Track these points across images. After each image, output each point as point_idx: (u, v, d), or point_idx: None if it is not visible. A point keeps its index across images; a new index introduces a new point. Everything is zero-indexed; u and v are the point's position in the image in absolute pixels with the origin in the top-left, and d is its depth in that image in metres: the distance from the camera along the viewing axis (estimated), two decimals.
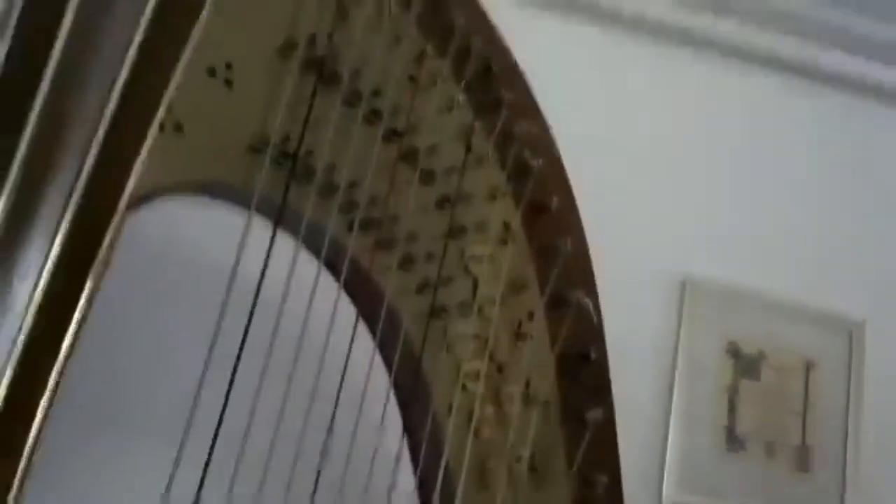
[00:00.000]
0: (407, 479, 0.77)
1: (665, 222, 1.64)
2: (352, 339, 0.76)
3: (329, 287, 0.77)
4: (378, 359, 0.81)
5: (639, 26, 1.68)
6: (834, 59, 1.74)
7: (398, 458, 0.77)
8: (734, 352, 1.61)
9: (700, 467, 1.53)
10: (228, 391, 0.69)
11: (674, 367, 1.61)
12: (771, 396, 1.59)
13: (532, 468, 0.85)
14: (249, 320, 0.71)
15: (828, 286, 1.67)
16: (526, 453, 0.84)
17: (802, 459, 1.57)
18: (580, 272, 0.91)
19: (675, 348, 1.62)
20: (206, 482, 0.67)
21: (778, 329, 1.63)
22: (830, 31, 1.71)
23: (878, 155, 1.77)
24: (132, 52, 0.69)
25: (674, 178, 1.66)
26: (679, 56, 1.70)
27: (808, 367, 1.63)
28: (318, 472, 0.72)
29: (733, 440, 1.55)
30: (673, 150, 1.67)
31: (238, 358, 0.70)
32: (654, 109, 1.68)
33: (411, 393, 0.79)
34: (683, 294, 1.64)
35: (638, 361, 1.60)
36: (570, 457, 0.87)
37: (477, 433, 0.83)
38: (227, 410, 0.70)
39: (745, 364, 1.60)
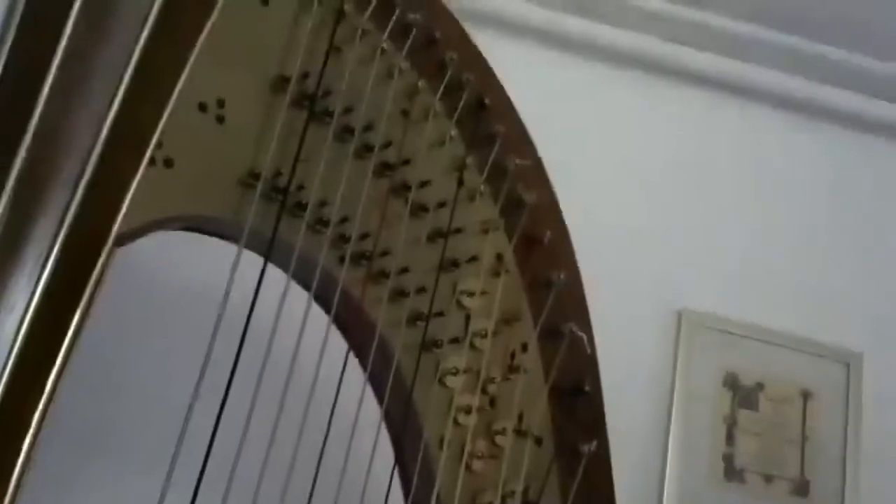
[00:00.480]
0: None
1: (662, 254, 1.64)
2: (342, 371, 0.75)
3: (320, 319, 0.77)
4: (369, 392, 0.80)
5: (635, 60, 1.68)
6: (830, 95, 1.74)
7: (388, 491, 0.76)
8: (732, 383, 1.60)
9: (698, 498, 1.52)
10: (217, 421, 0.69)
11: (671, 398, 1.60)
12: (769, 427, 1.58)
13: (525, 502, 0.84)
14: (239, 351, 0.70)
15: (826, 317, 1.67)
16: (519, 487, 0.84)
17: (801, 490, 1.55)
18: (573, 304, 0.90)
19: (673, 379, 1.61)
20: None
21: (775, 360, 1.62)
22: (828, 67, 1.72)
23: (876, 188, 1.77)
24: (125, 84, 0.69)
25: (670, 210, 1.66)
26: (678, 90, 1.71)
27: (806, 397, 1.62)
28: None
29: (731, 471, 1.54)
30: (671, 183, 1.67)
31: (228, 388, 0.70)
32: (652, 142, 1.68)
33: (402, 426, 0.78)
34: (680, 325, 1.64)
35: (635, 393, 1.59)
36: (564, 490, 0.86)
37: (469, 467, 0.82)
38: (217, 442, 0.69)
39: (742, 395, 1.59)
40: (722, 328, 1.62)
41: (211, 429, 0.68)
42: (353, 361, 0.79)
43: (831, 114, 1.75)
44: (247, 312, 0.72)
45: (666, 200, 1.66)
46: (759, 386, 1.60)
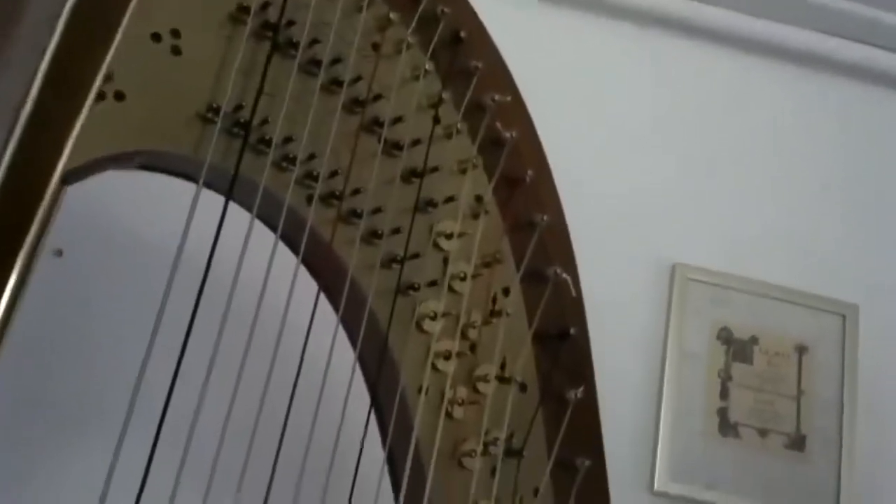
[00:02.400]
0: (376, 453, 0.71)
1: (653, 208, 1.59)
2: (312, 316, 0.70)
3: (288, 263, 0.71)
4: (343, 338, 0.75)
5: (625, 11, 1.62)
6: (828, 45, 1.68)
7: (364, 438, 0.70)
8: (725, 337, 1.55)
9: (692, 455, 1.47)
10: (175, 373, 0.63)
11: (664, 353, 1.55)
12: (764, 381, 1.53)
13: (509, 450, 0.79)
14: (199, 296, 0.65)
15: (821, 270, 1.61)
16: (502, 435, 0.78)
17: (797, 444, 1.51)
18: (557, 246, 0.85)
19: (665, 335, 1.56)
20: (153, 468, 0.61)
21: (770, 313, 1.57)
22: (828, 17, 1.65)
23: (871, 139, 1.71)
24: (67, 13, 0.63)
25: (661, 163, 1.60)
26: (670, 40, 1.65)
27: (801, 351, 1.57)
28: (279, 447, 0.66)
29: (726, 425, 1.49)
30: (662, 136, 1.62)
31: (186, 339, 0.64)
32: (647, 94, 1.63)
33: (378, 372, 0.73)
34: (673, 280, 1.59)
35: (627, 349, 1.54)
36: (550, 438, 0.81)
37: (449, 414, 0.76)
38: (177, 395, 0.64)
39: (737, 348, 1.54)
40: (715, 282, 1.57)
41: (168, 380, 0.63)
42: (325, 308, 0.73)
43: (827, 64, 1.69)
44: (206, 258, 0.66)
45: (657, 154, 1.61)
46: (754, 340, 1.55)
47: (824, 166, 1.66)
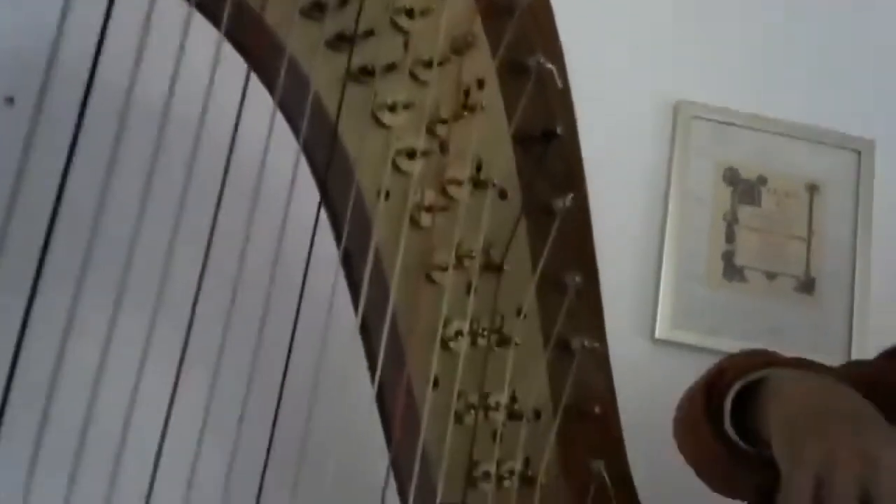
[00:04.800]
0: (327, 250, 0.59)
1: (655, 42, 1.43)
2: (242, 98, 0.56)
3: (207, 37, 0.57)
4: (288, 138, 0.62)
5: None
6: None
7: (312, 243, 0.58)
8: (731, 178, 1.41)
9: (695, 300, 1.35)
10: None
11: (666, 196, 1.42)
12: (772, 222, 1.40)
13: (487, 265, 0.67)
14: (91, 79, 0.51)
15: (833, 103, 1.46)
16: (479, 245, 0.66)
17: (806, 287, 1.39)
18: (542, 33, 0.70)
19: (668, 176, 1.43)
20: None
21: (779, 151, 1.43)
22: None
23: None
24: None
25: None
26: None
27: (812, 190, 1.44)
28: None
29: (731, 269, 1.37)
30: None
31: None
32: None
33: (327, 167, 0.60)
34: (676, 119, 1.44)
35: (628, 193, 1.41)
36: (534, 252, 0.69)
37: (415, 221, 0.64)
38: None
39: (743, 189, 1.40)
40: (721, 119, 1.42)
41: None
42: (257, 89, 0.59)
43: None
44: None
45: None
46: (762, 180, 1.42)
47: None
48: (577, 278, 0.69)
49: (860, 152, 1.45)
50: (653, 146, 1.44)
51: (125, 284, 0.51)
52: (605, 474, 0.69)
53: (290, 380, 0.57)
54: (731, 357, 0.73)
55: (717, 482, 0.72)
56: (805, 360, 0.74)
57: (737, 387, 0.65)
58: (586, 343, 0.69)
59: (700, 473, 0.73)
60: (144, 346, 0.51)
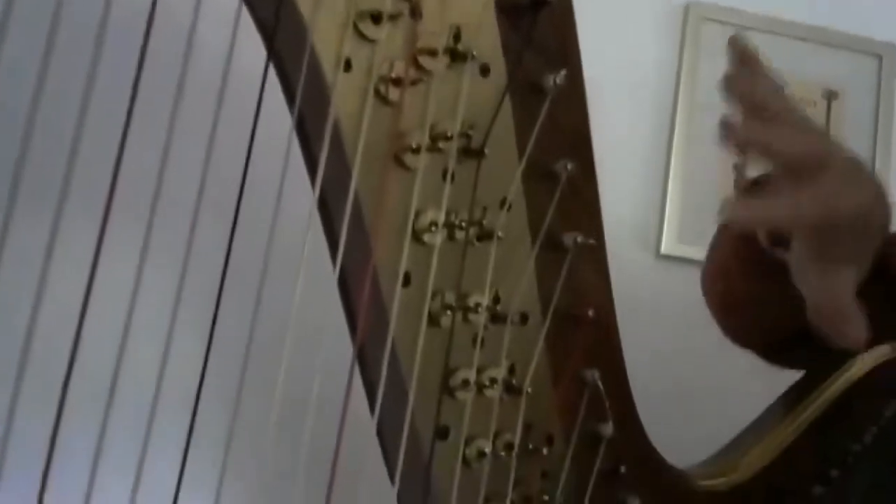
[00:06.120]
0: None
1: None
2: None
3: None
4: None
5: None
6: None
7: (260, 100, 0.49)
8: None
9: (703, 215, 1.27)
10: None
11: (675, 104, 1.33)
12: None
13: (466, 149, 0.58)
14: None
15: (853, 4, 1.36)
16: (456, 126, 0.57)
17: None
18: None
19: (677, 84, 1.33)
20: None
21: (795, 56, 1.33)
22: None
23: None
24: None
25: None
26: None
27: (830, 97, 1.34)
28: None
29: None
30: None
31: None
32: None
33: (275, 25, 0.51)
34: (686, 21, 1.34)
35: (634, 101, 1.32)
36: (521, 135, 0.60)
37: (382, 95, 0.55)
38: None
39: None
40: (734, 21, 1.32)
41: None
42: None
43: None
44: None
45: None
46: None
47: None
48: (570, 166, 0.60)
49: (881, 57, 1.35)
50: (660, 50, 1.34)
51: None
52: (600, 384, 0.61)
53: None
54: None
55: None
56: None
57: None
58: (580, 239, 0.61)
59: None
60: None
